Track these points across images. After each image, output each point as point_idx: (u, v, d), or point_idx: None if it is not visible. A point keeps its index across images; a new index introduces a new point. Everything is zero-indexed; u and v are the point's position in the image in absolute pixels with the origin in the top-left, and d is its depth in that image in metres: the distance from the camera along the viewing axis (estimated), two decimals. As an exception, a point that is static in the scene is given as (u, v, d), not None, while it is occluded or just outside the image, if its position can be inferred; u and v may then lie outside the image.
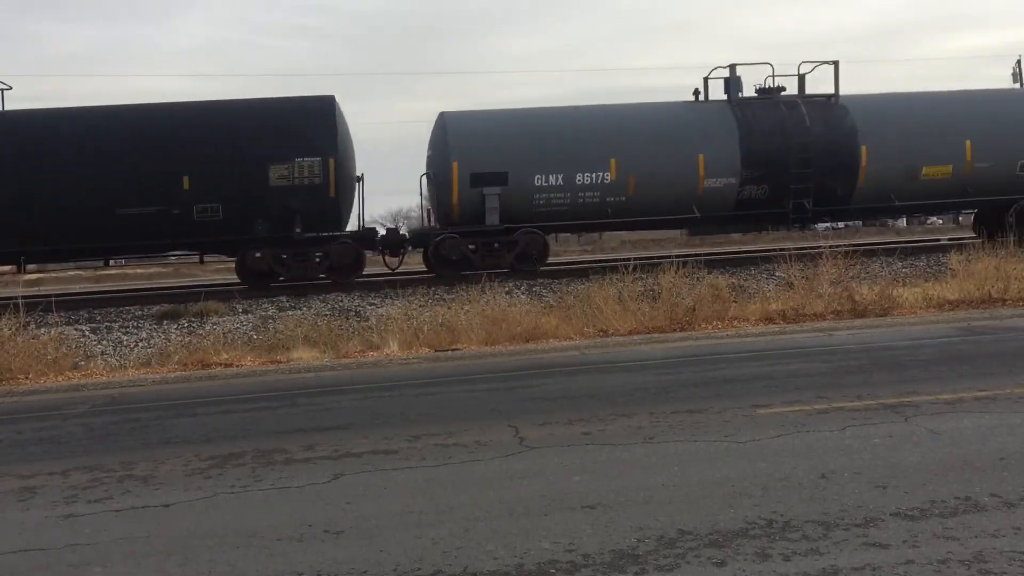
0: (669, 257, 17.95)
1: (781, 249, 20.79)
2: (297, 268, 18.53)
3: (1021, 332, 11.99)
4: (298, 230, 18.34)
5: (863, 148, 20.07)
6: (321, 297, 17.35)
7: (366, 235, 19.75)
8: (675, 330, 13.62)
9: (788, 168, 19.64)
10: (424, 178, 20.32)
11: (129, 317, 16.38)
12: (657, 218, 20.64)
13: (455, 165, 18.96)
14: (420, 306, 15.88)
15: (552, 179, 19.16)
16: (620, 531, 4.89)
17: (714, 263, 18.88)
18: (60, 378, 12.41)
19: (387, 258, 20.42)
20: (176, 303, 17.05)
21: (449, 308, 15.29)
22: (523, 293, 17.24)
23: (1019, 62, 37.88)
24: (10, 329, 13.32)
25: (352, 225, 19.80)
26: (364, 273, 19.65)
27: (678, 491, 5.55)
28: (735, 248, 29.74)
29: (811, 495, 5.33)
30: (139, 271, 36.92)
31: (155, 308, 16.80)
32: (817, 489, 5.43)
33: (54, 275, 35.03)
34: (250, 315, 16.23)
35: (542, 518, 5.18)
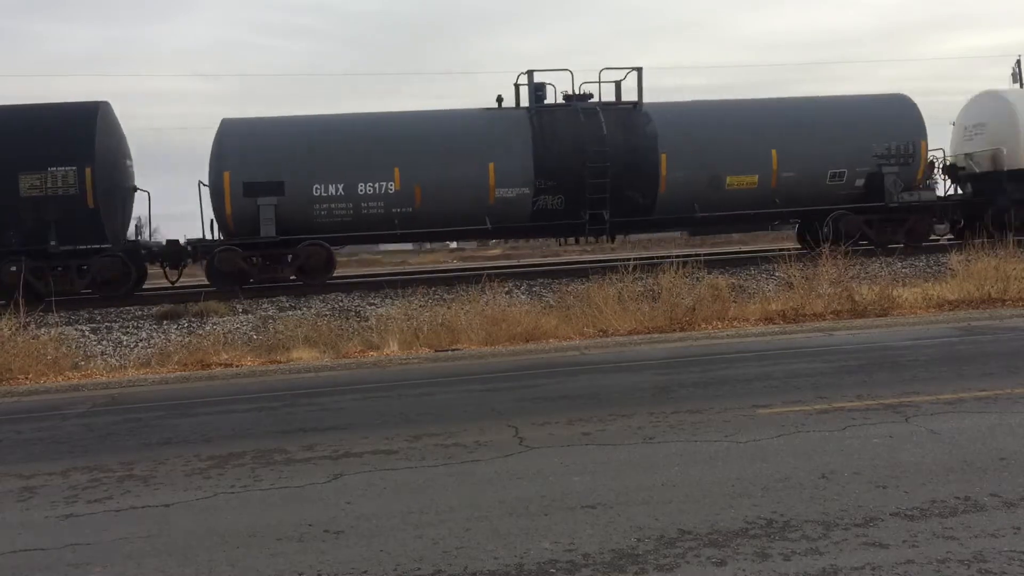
0: (669, 257, 17.95)
1: (781, 249, 20.79)
2: (58, 283, 17.78)
3: (1021, 332, 11.99)
4: (54, 243, 17.45)
5: (663, 157, 19.31)
6: (321, 297, 17.35)
7: (130, 248, 18.71)
8: (675, 330, 13.63)
9: (584, 178, 18.87)
10: (202, 187, 19.01)
11: (129, 317, 16.38)
12: (448, 229, 19.89)
13: (227, 175, 18.16)
14: (420, 306, 15.89)
15: (332, 189, 18.34)
16: (620, 531, 4.89)
17: (714, 263, 18.86)
18: (60, 378, 12.42)
19: (168, 271, 19.50)
20: (176, 303, 17.04)
21: (449, 308, 15.29)
22: (523, 293, 17.25)
23: (1019, 62, 37.80)
24: (10, 329, 13.32)
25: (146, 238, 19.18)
26: (146, 288, 19.09)
27: (678, 491, 5.55)
28: (735, 248, 29.75)
29: (811, 495, 5.33)
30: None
31: (155, 308, 16.79)
32: (817, 489, 5.43)
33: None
34: (250, 315, 16.23)
35: (542, 518, 5.18)
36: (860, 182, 20.12)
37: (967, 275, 15.84)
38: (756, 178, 19.69)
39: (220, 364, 12.75)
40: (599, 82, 19.84)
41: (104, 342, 15.06)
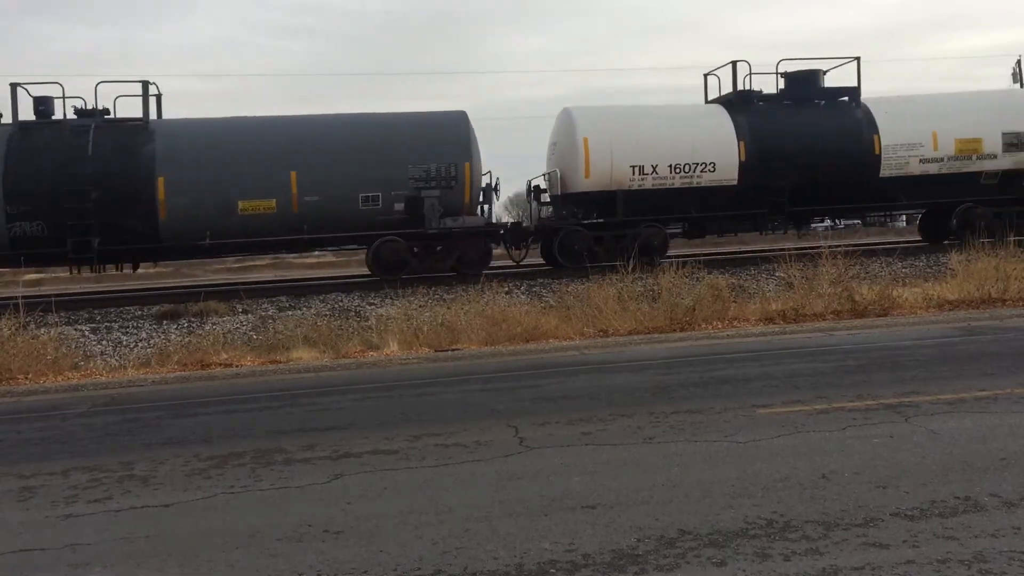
0: (669, 257, 17.97)
1: (781, 249, 20.77)
2: None
3: (1021, 332, 11.99)
4: None
5: (161, 180, 17.71)
6: (321, 297, 17.37)
7: None
8: (675, 330, 13.63)
9: (65, 202, 17.34)
10: None
11: (129, 317, 16.38)
12: None
13: None
14: (420, 306, 15.90)
15: None
16: (620, 531, 4.89)
17: (714, 263, 18.88)
18: (60, 378, 12.41)
19: None
20: (176, 303, 17.05)
21: (449, 308, 15.30)
22: (523, 293, 17.26)
23: (1019, 62, 37.71)
24: (10, 329, 13.32)
25: None
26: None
27: (678, 491, 5.55)
28: (735, 248, 29.77)
29: (811, 495, 5.33)
30: (139, 271, 36.86)
31: (155, 308, 16.80)
32: (817, 489, 5.43)
33: (54, 275, 35.03)
34: (250, 315, 16.23)
35: (542, 518, 5.18)
36: (400, 206, 18.55)
37: (967, 275, 15.84)
38: (274, 202, 18.10)
39: (220, 364, 12.74)
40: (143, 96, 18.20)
41: (104, 342, 15.06)
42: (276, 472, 6.59)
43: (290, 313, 16.22)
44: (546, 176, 20.91)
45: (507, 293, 16.26)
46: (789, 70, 21.03)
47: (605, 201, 19.64)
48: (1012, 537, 4.54)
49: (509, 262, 21.18)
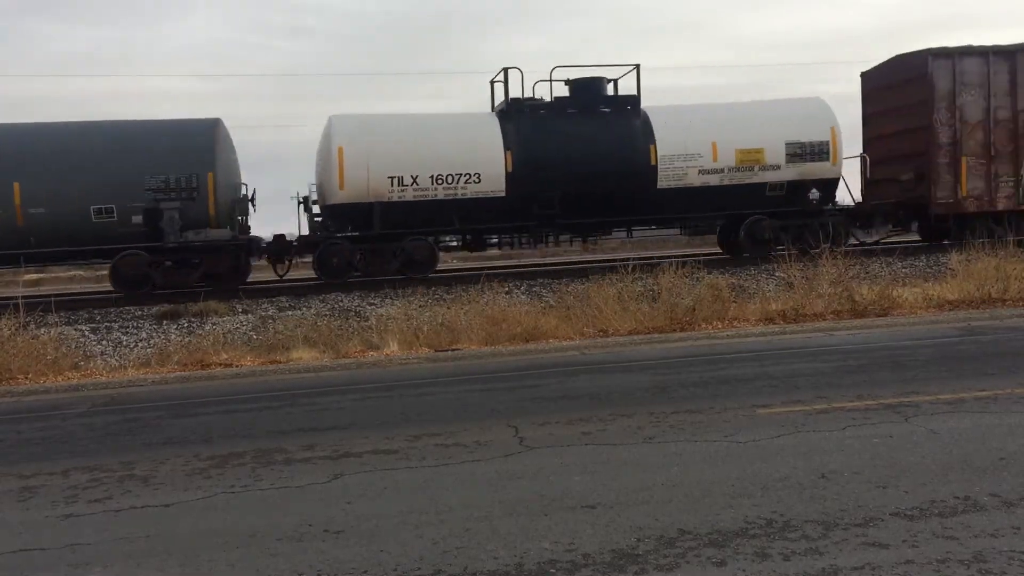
0: (669, 257, 17.97)
1: (781, 249, 20.72)
2: None
3: (1021, 332, 12.00)
4: None
5: None
6: (321, 297, 17.37)
7: None
8: (675, 330, 13.63)
9: None
10: None
11: (129, 317, 16.38)
12: None
13: None
14: (420, 306, 15.90)
15: None
16: (620, 531, 4.89)
17: (714, 263, 18.88)
18: (60, 378, 12.42)
19: None
20: (176, 303, 17.05)
21: (449, 308, 15.31)
22: (523, 293, 17.26)
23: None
24: (10, 329, 13.33)
25: None
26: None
27: (678, 491, 5.55)
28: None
29: (811, 495, 5.33)
30: (139, 271, 36.83)
31: (155, 308, 16.80)
32: (817, 489, 5.43)
33: (54, 275, 35.05)
34: (250, 315, 16.24)
35: (542, 518, 5.18)
36: (138, 219, 17.56)
37: (967, 275, 15.84)
38: None
39: (220, 364, 12.75)
40: None
41: (104, 342, 15.07)
42: (276, 472, 6.59)
43: (290, 313, 16.23)
44: (311, 187, 19.69)
45: (507, 293, 16.27)
46: (571, 77, 20.00)
47: (362, 213, 18.59)
48: (1012, 537, 4.55)
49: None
